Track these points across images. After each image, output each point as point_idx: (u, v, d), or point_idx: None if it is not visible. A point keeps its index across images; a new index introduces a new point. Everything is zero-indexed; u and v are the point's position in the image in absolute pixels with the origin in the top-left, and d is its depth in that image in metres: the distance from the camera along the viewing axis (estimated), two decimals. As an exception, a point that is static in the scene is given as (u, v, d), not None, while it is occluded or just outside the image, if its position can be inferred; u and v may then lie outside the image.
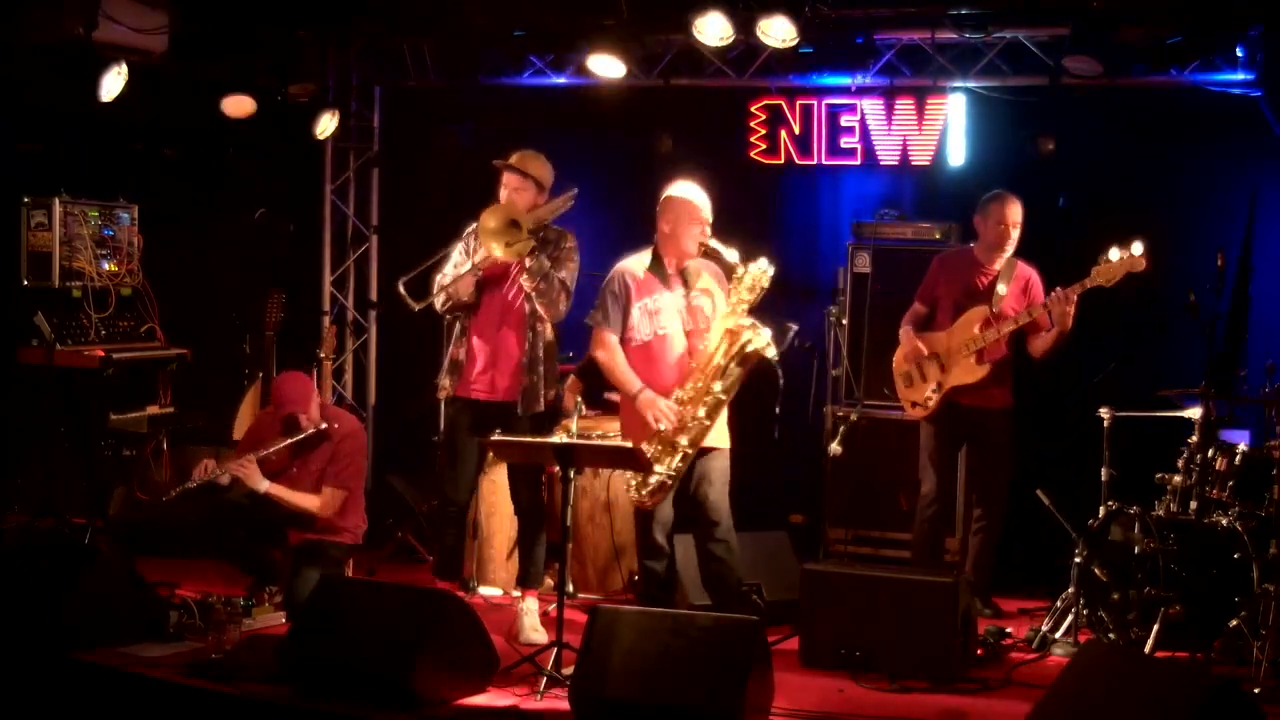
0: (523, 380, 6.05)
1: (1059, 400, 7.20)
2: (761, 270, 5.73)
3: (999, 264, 6.57)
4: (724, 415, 5.83)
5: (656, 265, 5.91)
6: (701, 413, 5.71)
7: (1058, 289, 6.28)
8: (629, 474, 5.82)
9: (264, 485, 6.25)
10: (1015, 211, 6.54)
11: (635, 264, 5.96)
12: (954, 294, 6.63)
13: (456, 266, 6.12)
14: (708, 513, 5.82)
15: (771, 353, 5.69)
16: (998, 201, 6.58)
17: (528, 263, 5.89)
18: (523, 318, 6.07)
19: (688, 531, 6.01)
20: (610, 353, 5.92)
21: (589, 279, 6.31)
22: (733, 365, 5.72)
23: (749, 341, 5.67)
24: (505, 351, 6.07)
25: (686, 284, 5.92)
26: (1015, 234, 6.55)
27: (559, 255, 6.03)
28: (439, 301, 6.12)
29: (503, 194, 6.11)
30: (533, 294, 5.96)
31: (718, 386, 5.71)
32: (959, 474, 6.87)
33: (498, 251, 5.83)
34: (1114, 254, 6.18)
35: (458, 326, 6.19)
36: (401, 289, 6.07)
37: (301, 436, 6.34)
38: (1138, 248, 6.13)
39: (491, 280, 6.08)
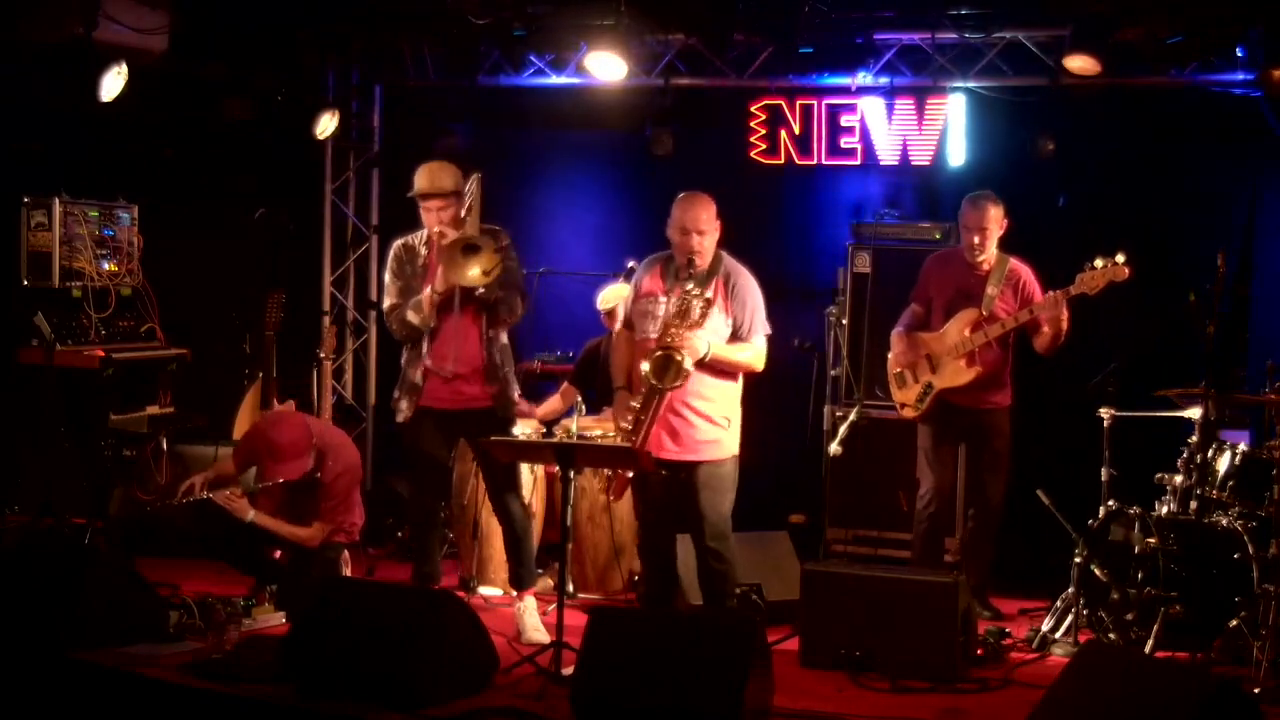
0: (490, 386, 6.05)
1: (1059, 400, 7.20)
2: (699, 292, 5.60)
3: (988, 263, 6.54)
4: (725, 424, 5.75)
5: (668, 267, 5.84)
6: (628, 427, 5.65)
7: (1050, 293, 6.27)
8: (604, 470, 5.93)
9: (250, 515, 6.26)
10: (984, 217, 6.45)
11: (659, 261, 5.89)
12: (945, 295, 6.59)
13: (401, 294, 6.07)
14: (699, 522, 5.76)
15: (671, 380, 5.53)
16: (968, 206, 6.53)
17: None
18: (479, 327, 6.04)
19: (687, 532, 6.00)
20: (614, 343, 6.04)
21: (591, 280, 6.30)
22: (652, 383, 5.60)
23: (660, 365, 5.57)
24: (467, 362, 6.03)
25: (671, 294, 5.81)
26: (983, 239, 6.47)
27: (502, 256, 5.97)
28: (397, 332, 6.09)
29: (426, 218, 6.05)
30: (493, 304, 5.94)
31: (647, 402, 5.62)
32: (959, 474, 6.87)
33: (480, 278, 5.80)
34: (1098, 263, 6.17)
35: (410, 345, 6.13)
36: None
37: (294, 480, 6.34)
38: (1120, 257, 6.13)
39: (445, 298, 6.01)
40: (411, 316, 6.02)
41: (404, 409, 6.10)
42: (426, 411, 6.08)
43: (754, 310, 5.78)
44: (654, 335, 5.72)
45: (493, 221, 6.08)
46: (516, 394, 6.24)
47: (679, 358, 5.53)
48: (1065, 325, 6.26)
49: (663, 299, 5.81)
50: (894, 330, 6.72)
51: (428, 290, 5.97)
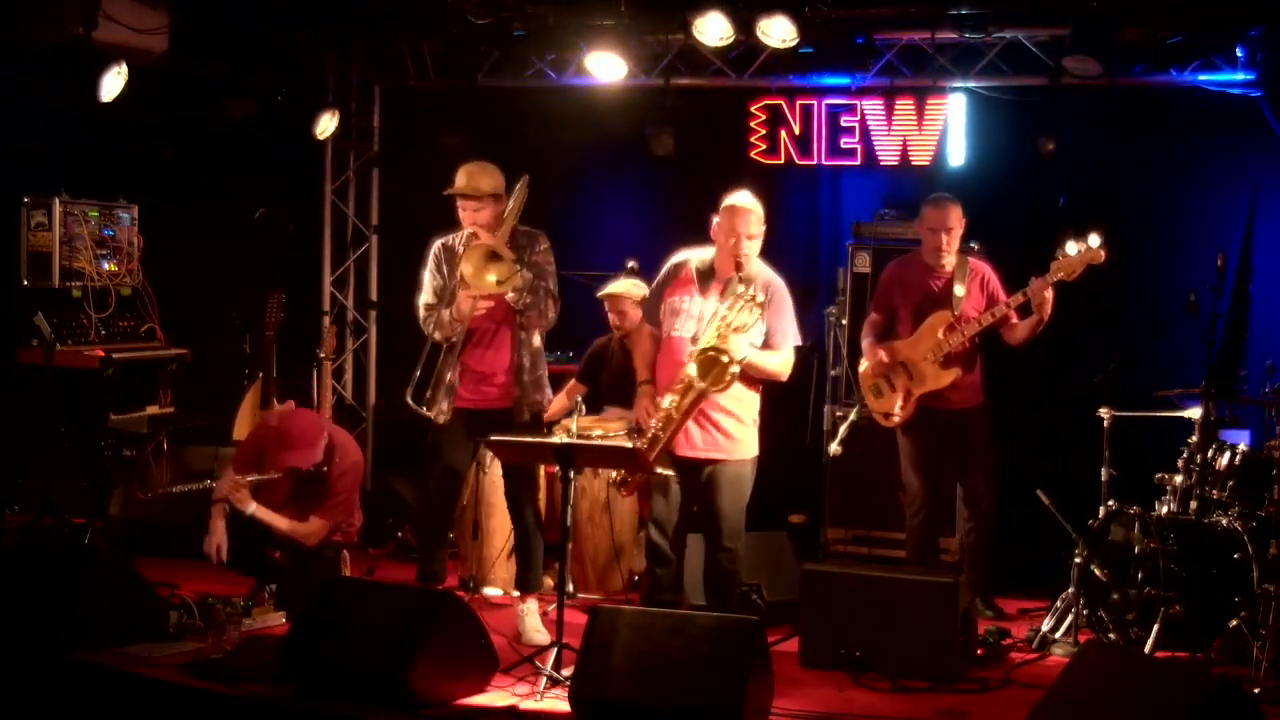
0: (515, 389, 6.04)
1: (1059, 400, 7.19)
2: (752, 296, 5.56)
3: (949, 266, 6.51)
4: (750, 426, 5.75)
5: (708, 268, 5.77)
6: (659, 425, 5.64)
7: (1035, 278, 6.21)
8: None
9: (251, 508, 6.25)
10: (949, 217, 6.43)
11: (690, 259, 5.82)
12: (912, 301, 6.55)
13: (436, 293, 6.07)
14: (717, 521, 5.76)
15: (714, 382, 5.50)
16: (932, 208, 6.51)
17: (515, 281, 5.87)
18: (512, 329, 6.04)
19: (694, 532, 5.99)
20: (640, 338, 5.97)
21: (591, 280, 6.26)
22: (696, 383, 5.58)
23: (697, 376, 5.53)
24: (498, 363, 6.05)
25: (722, 294, 5.71)
26: (947, 239, 6.44)
27: (536, 260, 5.98)
28: (433, 334, 6.08)
29: (463, 217, 6.03)
30: (523, 309, 5.95)
31: (684, 402, 5.60)
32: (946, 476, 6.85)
33: (493, 286, 5.80)
34: (1071, 247, 6.13)
35: (445, 345, 6.11)
36: (410, 400, 6.06)
37: (300, 472, 6.34)
38: (1094, 239, 6.10)
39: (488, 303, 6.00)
40: (446, 316, 6.00)
41: (445, 410, 6.06)
42: (458, 412, 6.07)
43: (788, 319, 5.78)
44: (682, 333, 5.71)
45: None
46: (546, 398, 6.24)
47: (726, 360, 5.50)
48: (1049, 311, 6.22)
49: (697, 298, 5.75)
50: (864, 341, 6.68)
51: (469, 301, 5.92)
